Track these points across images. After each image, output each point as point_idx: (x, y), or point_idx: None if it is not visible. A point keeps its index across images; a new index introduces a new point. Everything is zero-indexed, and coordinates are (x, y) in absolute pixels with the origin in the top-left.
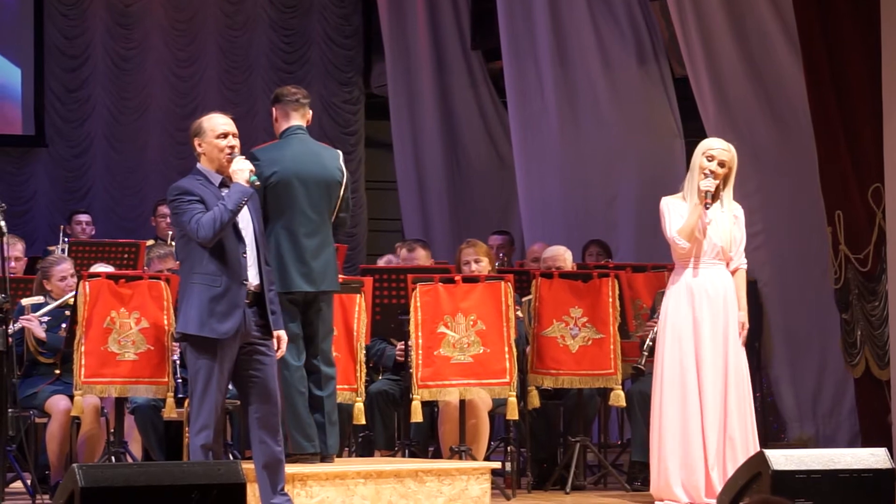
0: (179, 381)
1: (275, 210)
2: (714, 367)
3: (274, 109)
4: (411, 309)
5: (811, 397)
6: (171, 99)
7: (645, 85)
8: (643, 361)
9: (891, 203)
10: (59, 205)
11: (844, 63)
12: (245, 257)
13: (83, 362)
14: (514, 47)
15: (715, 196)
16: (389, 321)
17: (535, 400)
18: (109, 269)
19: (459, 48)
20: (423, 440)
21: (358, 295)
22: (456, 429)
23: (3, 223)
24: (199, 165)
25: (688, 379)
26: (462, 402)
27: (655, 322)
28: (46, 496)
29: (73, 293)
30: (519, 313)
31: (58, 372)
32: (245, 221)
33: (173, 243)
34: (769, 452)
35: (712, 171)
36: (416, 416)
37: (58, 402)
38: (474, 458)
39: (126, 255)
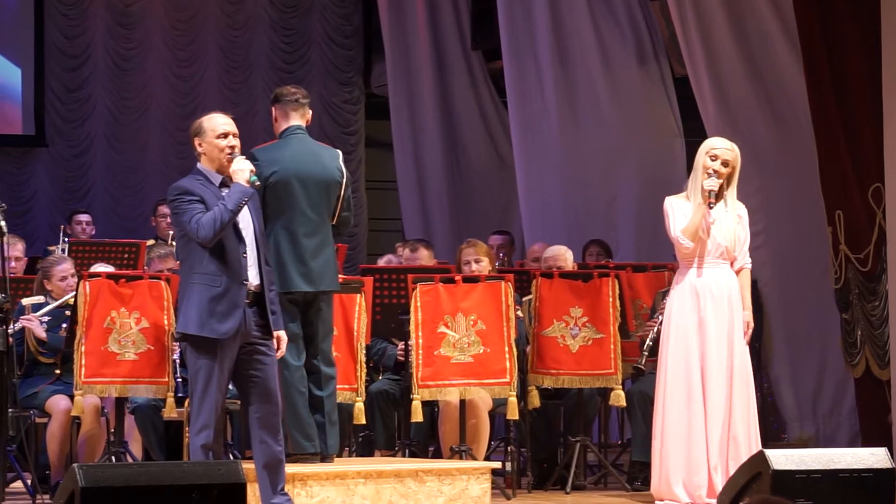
0: (179, 380)
1: (274, 210)
2: (719, 367)
3: (273, 109)
4: (411, 309)
5: (811, 397)
6: (172, 99)
7: (645, 85)
8: (643, 361)
9: (891, 203)
10: (59, 205)
11: (844, 63)
12: (245, 257)
13: (83, 362)
14: (514, 47)
15: (719, 195)
16: (389, 321)
17: (535, 400)
18: (110, 268)
19: (459, 48)
20: (423, 440)
21: (358, 295)
22: (456, 429)
23: (3, 223)
24: (199, 165)
25: (692, 379)
26: (462, 401)
27: (655, 322)
28: (47, 496)
29: (74, 293)
30: (519, 313)
31: (58, 372)
32: (245, 221)
33: (174, 243)
34: (769, 452)
35: (716, 171)
36: (417, 415)
37: (58, 402)
38: (474, 458)
39: (126, 255)
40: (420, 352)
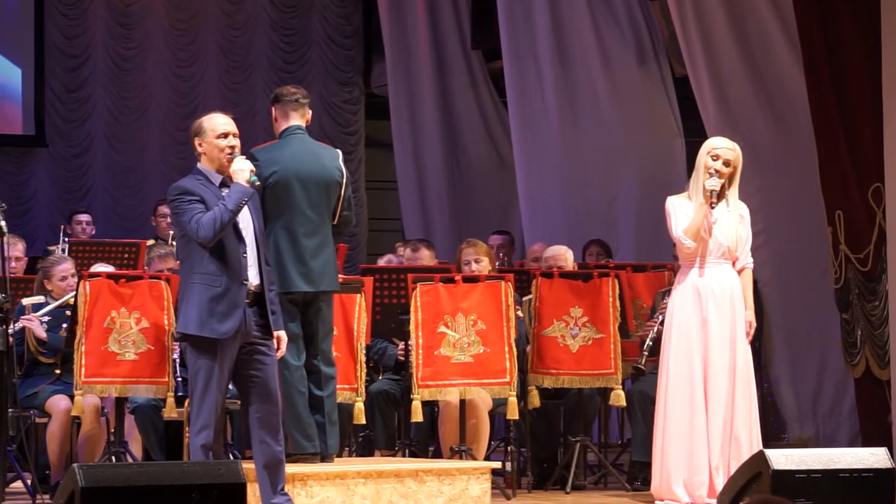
0: (179, 379)
1: (274, 210)
2: (721, 367)
3: (273, 109)
4: (411, 309)
5: (811, 397)
6: (172, 99)
7: (645, 85)
8: (643, 361)
9: (891, 203)
10: (59, 205)
11: (844, 63)
12: (245, 257)
13: (83, 362)
14: (514, 47)
15: (720, 195)
16: (390, 321)
17: (535, 400)
18: (110, 268)
19: (459, 48)
20: (423, 440)
21: (358, 295)
22: (456, 428)
23: (3, 223)
24: (199, 165)
25: (694, 379)
26: (462, 401)
27: (655, 322)
28: (47, 496)
29: (74, 293)
30: (519, 313)
31: (58, 372)
32: (245, 221)
33: (174, 243)
34: (769, 452)
35: (717, 171)
36: (417, 415)
37: (58, 402)
38: (474, 458)
39: (126, 255)
40: (420, 352)
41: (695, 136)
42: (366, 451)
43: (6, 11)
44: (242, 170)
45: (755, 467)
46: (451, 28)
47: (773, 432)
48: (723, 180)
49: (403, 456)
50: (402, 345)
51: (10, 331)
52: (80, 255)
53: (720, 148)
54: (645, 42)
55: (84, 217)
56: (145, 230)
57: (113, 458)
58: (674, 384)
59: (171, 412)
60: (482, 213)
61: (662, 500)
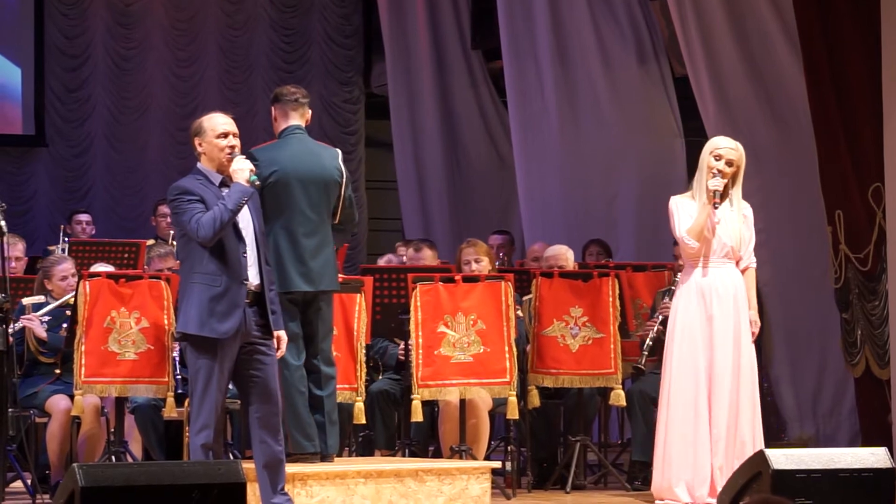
0: (179, 377)
1: (273, 210)
2: (724, 367)
3: (273, 109)
4: (411, 308)
5: (811, 397)
6: (172, 99)
7: (645, 84)
8: (643, 361)
9: (891, 203)
10: (59, 204)
11: (844, 63)
12: (245, 257)
13: (83, 362)
14: (514, 47)
15: (724, 195)
16: (390, 321)
17: (535, 399)
18: (110, 268)
19: (459, 48)
20: (423, 440)
21: (358, 294)
22: (456, 428)
23: (3, 223)
24: (199, 165)
25: (699, 379)
26: (462, 401)
27: (655, 321)
28: (46, 496)
29: (74, 293)
30: (519, 313)
31: (58, 371)
32: (245, 221)
33: (174, 243)
34: (769, 452)
35: (720, 171)
36: (417, 415)
37: (58, 402)
38: (474, 458)
39: (126, 255)
40: (420, 351)
41: (695, 136)
42: (366, 450)
43: (6, 11)
44: (242, 169)
45: (755, 467)
46: (451, 28)
47: (773, 432)
48: (726, 180)
49: (403, 456)
50: (402, 345)
51: (10, 330)
52: (80, 255)
53: (723, 148)
54: (645, 42)
55: (84, 217)
56: (145, 230)
57: (113, 457)
58: (677, 384)
59: (171, 412)
60: (482, 213)
61: (663, 500)
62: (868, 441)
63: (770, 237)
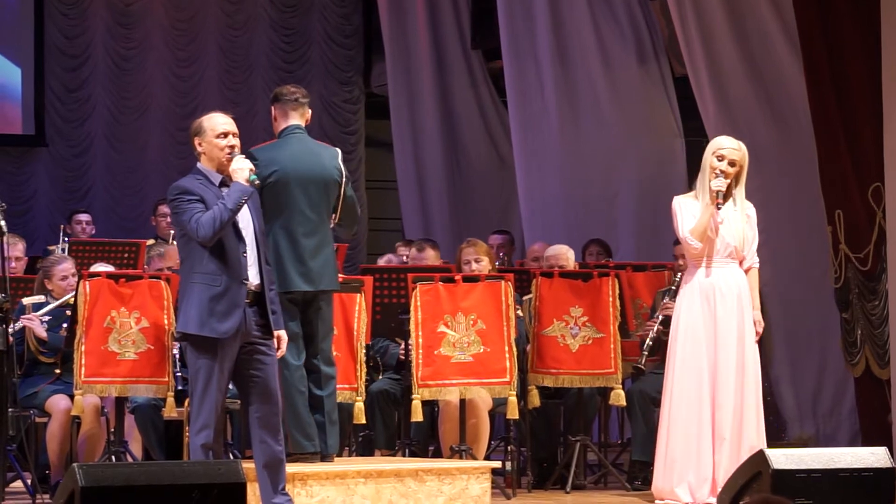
0: (178, 375)
1: (273, 210)
2: (728, 367)
3: (273, 109)
4: (411, 308)
5: (811, 397)
6: (172, 99)
7: (645, 84)
8: (643, 361)
9: (891, 202)
10: (59, 204)
11: (844, 63)
12: (245, 256)
13: (83, 362)
14: (514, 47)
15: (727, 195)
16: (390, 320)
17: (535, 399)
18: (110, 268)
19: (459, 48)
20: (423, 439)
21: (358, 294)
22: (456, 428)
23: (3, 223)
24: (199, 165)
25: (702, 379)
26: (462, 401)
27: (655, 321)
28: (46, 496)
29: (74, 293)
30: (519, 312)
31: (58, 371)
32: (245, 221)
33: (174, 243)
34: (769, 452)
35: (723, 171)
36: (417, 415)
37: (58, 402)
38: (474, 458)
39: (126, 255)
40: (420, 351)
41: (695, 136)
42: (366, 450)
43: (6, 11)
44: (242, 169)
45: (755, 467)
46: (451, 28)
47: (774, 432)
48: (728, 180)
49: (403, 455)
50: (403, 344)
51: (10, 330)
52: (80, 255)
53: (726, 148)
54: (645, 42)
55: (84, 217)
56: (145, 230)
57: (113, 457)
58: (680, 384)
59: (171, 412)
60: (482, 213)
61: (663, 500)
62: (868, 441)
63: (770, 237)
